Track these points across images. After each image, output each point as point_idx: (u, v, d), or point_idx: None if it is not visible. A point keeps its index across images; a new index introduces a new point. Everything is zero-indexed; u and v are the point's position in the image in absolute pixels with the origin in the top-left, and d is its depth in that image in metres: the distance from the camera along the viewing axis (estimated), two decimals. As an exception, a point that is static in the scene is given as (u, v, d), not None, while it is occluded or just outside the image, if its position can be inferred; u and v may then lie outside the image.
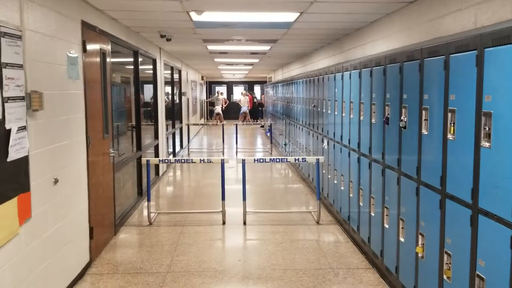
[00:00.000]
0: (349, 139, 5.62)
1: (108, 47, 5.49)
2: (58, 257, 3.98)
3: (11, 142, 3.08)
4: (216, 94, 26.13)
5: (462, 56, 2.90)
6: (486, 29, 2.75)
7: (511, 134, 2.40)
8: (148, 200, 6.38)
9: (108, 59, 5.46)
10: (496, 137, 2.54)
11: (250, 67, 16.83)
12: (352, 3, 4.76)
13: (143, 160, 6.56)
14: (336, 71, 6.31)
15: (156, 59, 9.08)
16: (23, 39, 3.28)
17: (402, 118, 3.86)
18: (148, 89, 9.01)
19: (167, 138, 10.64)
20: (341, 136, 5.98)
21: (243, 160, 6.50)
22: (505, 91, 2.45)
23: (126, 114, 7.28)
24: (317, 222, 6.34)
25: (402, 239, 3.95)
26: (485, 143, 2.63)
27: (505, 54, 2.45)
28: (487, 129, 2.60)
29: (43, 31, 3.68)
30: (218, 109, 22.77)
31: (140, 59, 7.59)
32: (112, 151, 5.56)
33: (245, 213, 6.36)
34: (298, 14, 5.44)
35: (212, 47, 9.55)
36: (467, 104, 2.81)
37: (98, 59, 5.12)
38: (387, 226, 4.33)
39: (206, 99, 27.21)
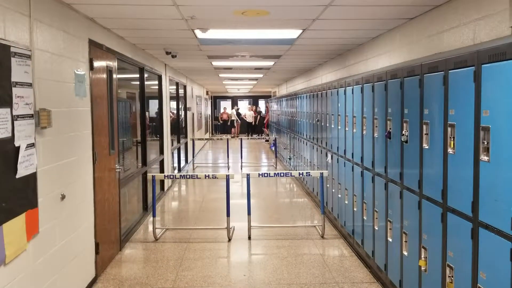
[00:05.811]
0: (352, 153, 5.67)
1: (114, 64, 5.59)
2: (65, 272, 4.02)
3: (20, 159, 3.15)
4: (223, 110, 26.44)
5: (460, 72, 2.95)
6: (483, 46, 2.81)
7: (509, 147, 2.44)
8: (154, 215, 6.41)
9: (114, 76, 5.56)
10: (494, 151, 2.59)
11: (255, 82, 16.95)
12: (353, 20, 4.84)
13: (149, 175, 6.62)
14: (339, 86, 6.37)
15: (161, 75, 9.19)
16: (32, 58, 3.37)
17: (403, 132, 3.91)
18: (153, 105, 9.11)
19: (172, 153, 10.71)
20: (345, 150, 6.03)
21: (248, 175, 6.54)
22: (502, 105, 2.50)
23: (132, 130, 7.36)
24: (322, 236, 6.36)
25: (405, 253, 3.97)
26: (484, 157, 2.67)
27: (501, 70, 2.51)
28: (486, 143, 2.65)
29: (51, 50, 3.78)
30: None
31: (145, 75, 7.69)
32: (118, 167, 5.62)
33: (250, 227, 6.39)
34: (301, 31, 5.53)
35: (216, 63, 9.66)
36: (466, 119, 2.86)
37: (104, 76, 5.22)
38: (390, 240, 4.35)
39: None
